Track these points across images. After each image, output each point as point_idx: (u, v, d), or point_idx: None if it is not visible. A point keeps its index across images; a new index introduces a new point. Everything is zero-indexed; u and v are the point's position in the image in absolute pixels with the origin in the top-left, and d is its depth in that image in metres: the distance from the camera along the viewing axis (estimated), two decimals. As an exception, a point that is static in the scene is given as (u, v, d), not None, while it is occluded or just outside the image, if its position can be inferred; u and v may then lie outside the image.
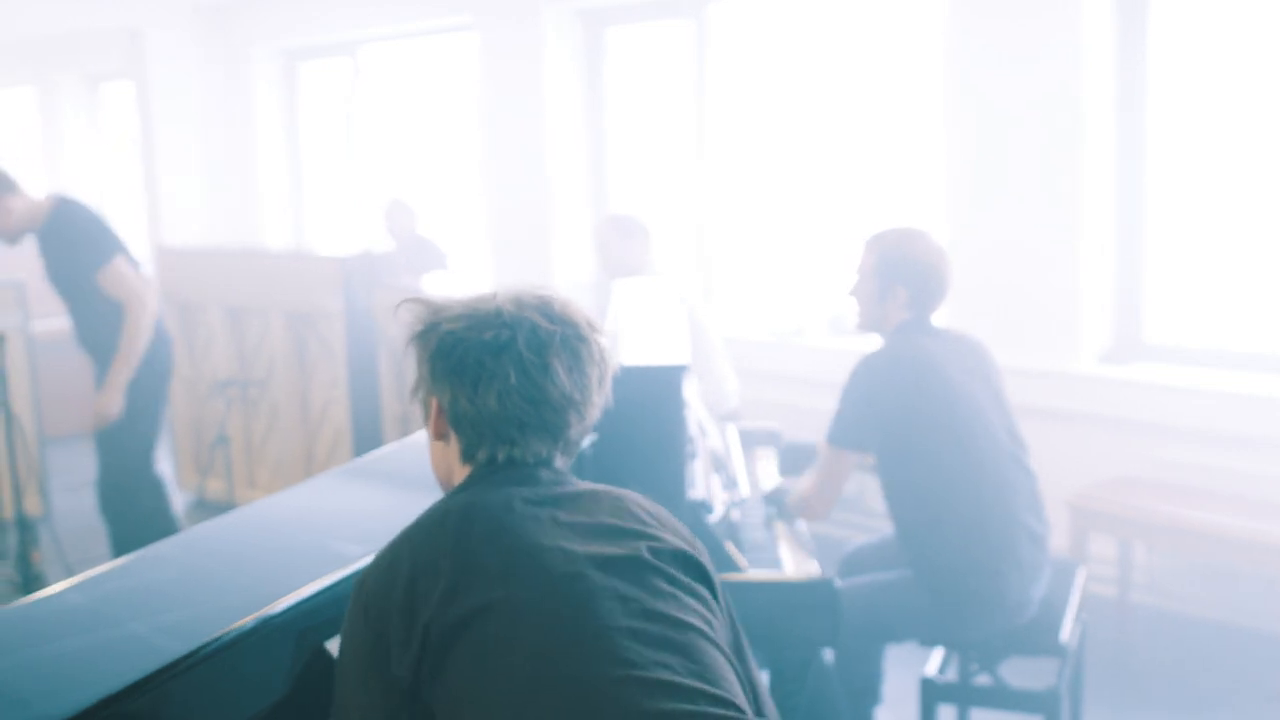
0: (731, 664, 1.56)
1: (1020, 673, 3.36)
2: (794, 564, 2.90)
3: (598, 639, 1.45)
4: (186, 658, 1.48)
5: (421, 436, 2.51)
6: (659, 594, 1.54)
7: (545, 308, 1.67)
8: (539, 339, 1.64)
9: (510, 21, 6.80)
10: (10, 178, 4.49)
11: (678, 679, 1.45)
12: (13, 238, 4.55)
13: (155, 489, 4.79)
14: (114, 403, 4.49)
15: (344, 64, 8.35)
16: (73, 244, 4.49)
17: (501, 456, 1.66)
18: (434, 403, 1.69)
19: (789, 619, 2.66)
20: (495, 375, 1.62)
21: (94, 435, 4.76)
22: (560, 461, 1.71)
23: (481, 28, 7.02)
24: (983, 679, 3.23)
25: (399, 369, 5.23)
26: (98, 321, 4.55)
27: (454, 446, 1.69)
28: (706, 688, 1.46)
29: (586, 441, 2.47)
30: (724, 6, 6.15)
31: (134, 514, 4.74)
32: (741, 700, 1.50)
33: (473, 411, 1.64)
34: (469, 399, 1.63)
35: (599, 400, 1.71)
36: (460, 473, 1.69)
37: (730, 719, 1.44)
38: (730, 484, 3.27)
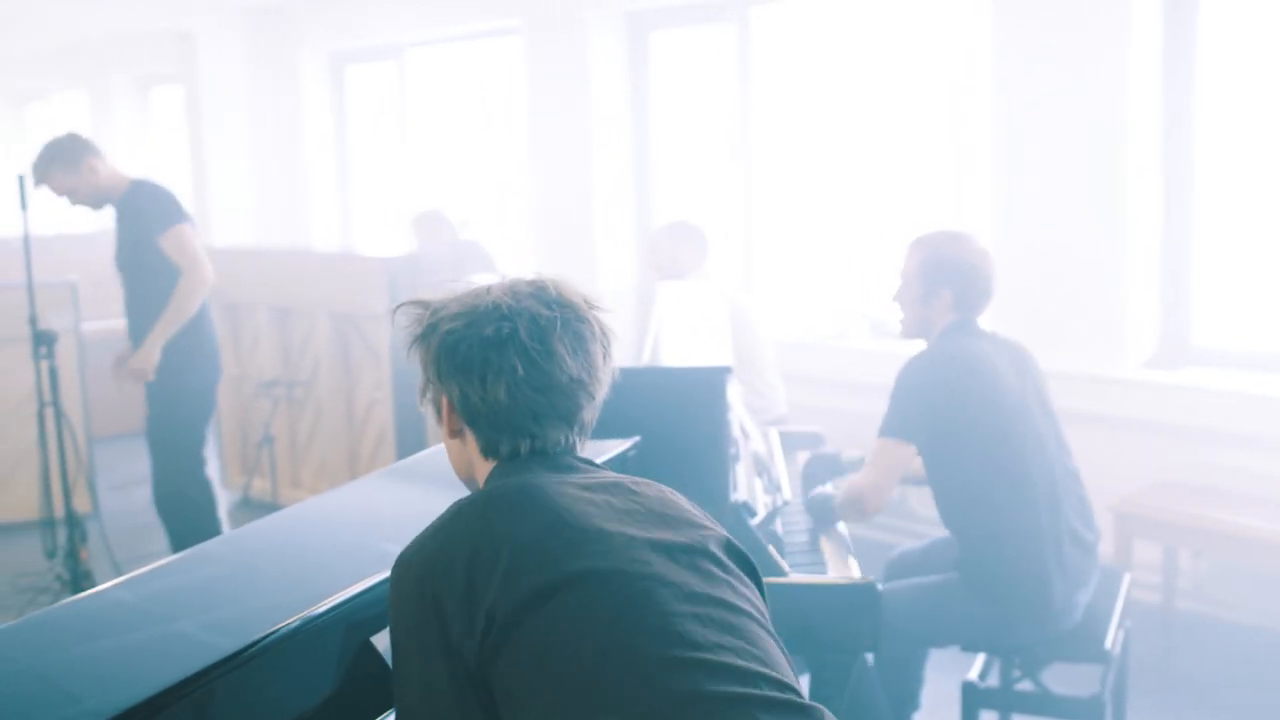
0: (782, 650, 1.58)
1: (1063, 679, 3.34)
2: (836, 567, 2.90)
3: (661, 620, 1.47)
4: (235, 655, 1.49)
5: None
6: (716, 580, 1.56)
7: (541, 294, 1.68)
8: (540, 327, 1.64)
9: (555, 26, 6.83)
10: (94, 144, 4.72)
11: (739, 662, 1.47)
12: (95, 201, 4.74)
13: (204, 490, 4.87)
14: (151, 358, 4.60)
15: (391, 67, 8.40)
16: (143, 210, 4.67)
17: (524, 449, 1.67)
18: (444, 401, 1.71)
19: (830, 621, 2.65)
20: (501, 369, 1.63)
21: (147, 437, 4.84)
22: (580, 447, 1.73)
23: (527, 32, 7.05)
24: (1025, 685, 3.22)
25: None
26: (153, 297, 4.65)
27: (471, 442, 1.70)
28: (766, 671, 1.48)
29: (629, 445, 2.48)
30: (766, 10, 6.15)
31: (187, 514, 4.81)
32: (797, 684, 1.52)
33: (484, 407, 1.65)
34: (479, 395, 1.65)
35: (606, 376, 1.72)
36: (483, 467, 1.70)
37: (788, 701, 1.46)
38: (773, 488, 3.27)
